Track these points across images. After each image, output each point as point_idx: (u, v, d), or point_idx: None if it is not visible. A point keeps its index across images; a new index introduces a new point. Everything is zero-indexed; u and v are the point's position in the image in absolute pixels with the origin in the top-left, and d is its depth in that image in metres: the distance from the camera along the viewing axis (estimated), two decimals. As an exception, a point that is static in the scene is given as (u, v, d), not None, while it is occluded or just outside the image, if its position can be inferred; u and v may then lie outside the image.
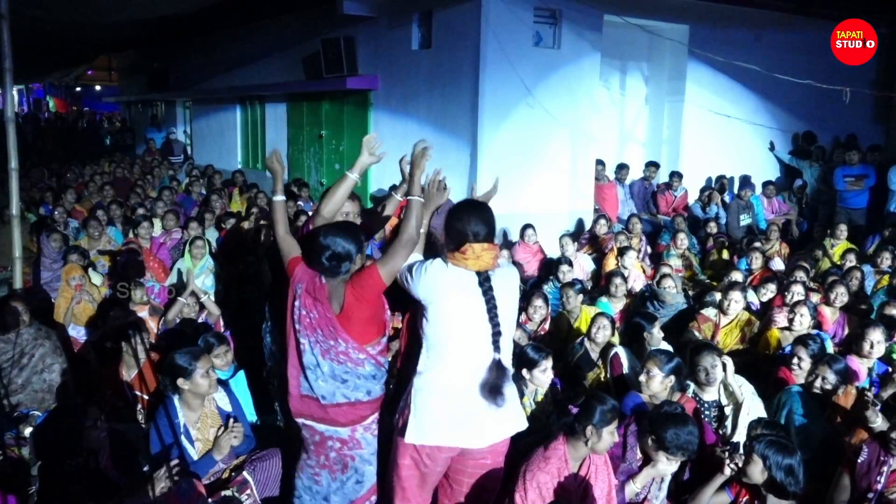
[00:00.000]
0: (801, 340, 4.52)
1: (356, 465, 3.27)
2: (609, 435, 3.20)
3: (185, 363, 3.55)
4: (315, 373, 3.12)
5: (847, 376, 4.13)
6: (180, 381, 3.55)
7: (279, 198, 3.34)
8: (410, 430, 2.92)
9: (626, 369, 4.67)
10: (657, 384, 3.90)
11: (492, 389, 2.86)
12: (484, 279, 2.86)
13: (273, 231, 3.32)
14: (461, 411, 2.90)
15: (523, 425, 3.06)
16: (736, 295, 5.46)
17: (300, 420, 3.25)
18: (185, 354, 3.60)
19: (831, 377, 4.04)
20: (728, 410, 4.13)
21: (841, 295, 5.71)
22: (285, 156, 12.17)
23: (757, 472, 3.12)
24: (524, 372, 4.01)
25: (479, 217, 2.89)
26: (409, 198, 3.13)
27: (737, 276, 6.45)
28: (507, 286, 2.96)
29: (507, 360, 2.92)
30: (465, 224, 2.87)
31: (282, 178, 3.39)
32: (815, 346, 4.49)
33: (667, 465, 3.33)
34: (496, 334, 2.86)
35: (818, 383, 4.07)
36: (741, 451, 3.33)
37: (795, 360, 4.40)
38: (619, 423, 3.40)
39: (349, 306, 3.08)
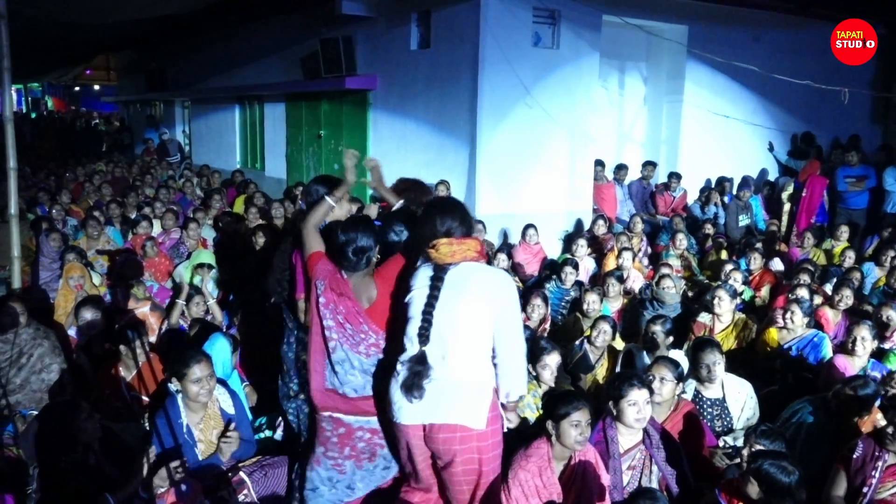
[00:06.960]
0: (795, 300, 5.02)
1: (384, 453, 3.34)
2: (571, 427, 3.11)
3: (181, 365, 3.55)
4: (344, 367, 3.19)
5: (870, 403, 3.86)
6: (174, 382, 3.57)
7: (332, 200, 3.38)
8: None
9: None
10: (668, 391, 3.80)
11: (405, 383, 2.92)
12: (439, 271, 2.96)
13: (300, 222, 3.38)
14: (398, 391, 2.98)
15: (466, 419, 2.92)
16: (720, 292, 5.37)
17: (325, 413, 3.29)
18: (182, 356, 3.60)
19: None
20: (730, 408, 4.12)
21: (846, 297, 5.68)
22: (283, 156, 12.19)
23: (753, 493, 3.01)
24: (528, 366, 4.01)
25: (445, 214, 3.04)
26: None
27: (729, 267, 6.52)
28: (469, 282, 2.95)
29: (436, 354, 2.91)
30: (433, 223, 3.02)
31: (348, 187, 3.49)
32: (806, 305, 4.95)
33: (635, 404, 3.34)
34: (424, 325, 2.92)
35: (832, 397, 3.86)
36: (743, 455, 3.28)
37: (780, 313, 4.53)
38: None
39: (381, 299, 3.18)
